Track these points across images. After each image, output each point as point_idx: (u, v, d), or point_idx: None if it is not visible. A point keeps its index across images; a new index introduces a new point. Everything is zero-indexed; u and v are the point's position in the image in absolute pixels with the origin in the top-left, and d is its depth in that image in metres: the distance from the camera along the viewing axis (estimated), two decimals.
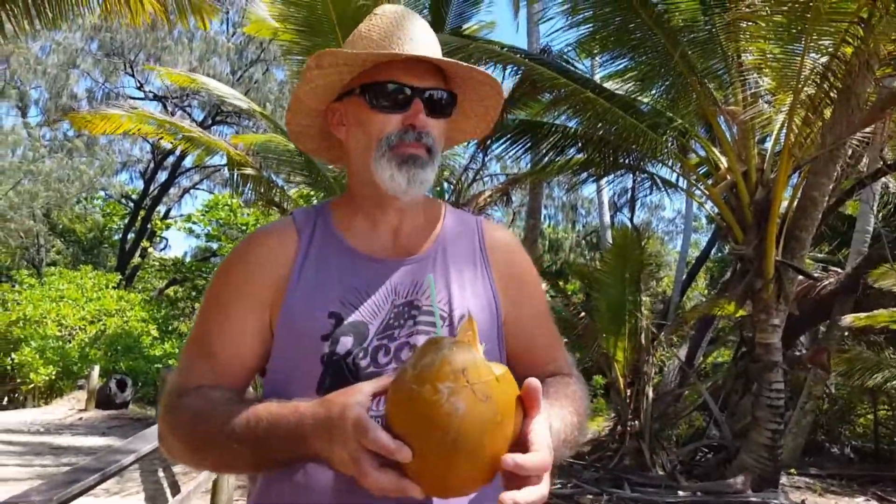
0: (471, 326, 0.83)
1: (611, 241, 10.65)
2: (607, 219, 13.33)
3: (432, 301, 0.88)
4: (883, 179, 9.13)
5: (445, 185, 9.43)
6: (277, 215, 9.55)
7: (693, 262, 14.68)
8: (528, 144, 7.26)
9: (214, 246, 17.50)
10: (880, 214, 10.27)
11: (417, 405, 0.74)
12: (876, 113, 5.65)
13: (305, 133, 1.17)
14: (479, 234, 1.14)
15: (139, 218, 21.98)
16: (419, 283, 1.04)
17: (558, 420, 0.92)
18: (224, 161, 9.24)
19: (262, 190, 8.19)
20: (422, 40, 1.05)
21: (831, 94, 5.18)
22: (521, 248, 1.20)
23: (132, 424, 10.49)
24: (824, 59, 5.20)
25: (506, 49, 6.37)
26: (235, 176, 8.09)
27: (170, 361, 14.09)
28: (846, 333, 9.72)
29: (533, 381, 0.79)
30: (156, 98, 20.93)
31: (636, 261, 7.45)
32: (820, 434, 11.12)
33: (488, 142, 7.52)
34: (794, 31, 5.13)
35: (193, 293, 16.74)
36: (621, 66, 6.56)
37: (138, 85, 21.08)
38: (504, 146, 7.53)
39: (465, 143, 9.38)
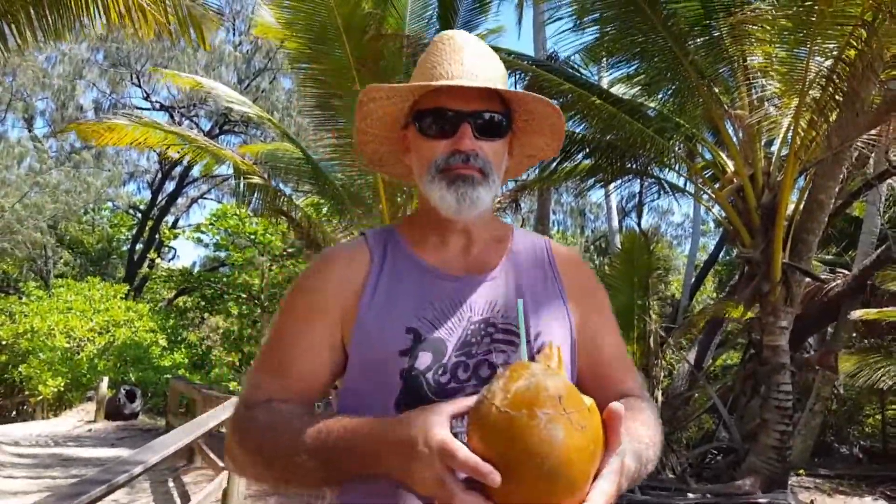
0: (552, 352, 0.83)
1: (619, 246, 10.66)
2: (616, 224, 13.34)
3: (520, 325, 0.88)
4: (889, 181, 9.14)
5: None
6: (285, 225, 9.60)
7: (701, 265, 14.67)
8: None
9: (223, 255, 17.54)
10: (886, 216, 10.27)
11: (513, 430, 0.73)
12: (881, 115, 5.68)
13: (384, 160, 1.22)
14: (547, 252, 1.17)
15: (147, 228, 22.07)
16: (493, 301, 1.06)
17: (632, 458, 0.90)
18: (231, 170, 9.29)
19: (270, 199, 8.22)
20: (472, 65, 1.07)
21: (836, 97, 5.21)
22: (587, 264, 1.24)
23: (142, 435, 10.48)
24: (829, 63, 5.24)
25: (513, 56, 6.42)
26: (242, 185, 8.12)
27: (179, 371, 14.11)
28: (854, 335, 9.72)
29: (617, 409, 0.79)
30: (162, 108, 21.06)
31: (644, 265, 7.49)
32: (829, 435, 11.10)
33: None
34: (799, 34, 5.17)
35: (202, 303, 16.76)
36: (629, 70, 6.60)
37: (145, 95, 21.23)
38: None
39: None
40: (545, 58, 8.64)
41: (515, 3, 12.78)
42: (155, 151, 18.99)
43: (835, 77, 5.12)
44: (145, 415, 13.20)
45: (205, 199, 24.08)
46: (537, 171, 7.28)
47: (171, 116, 20.42)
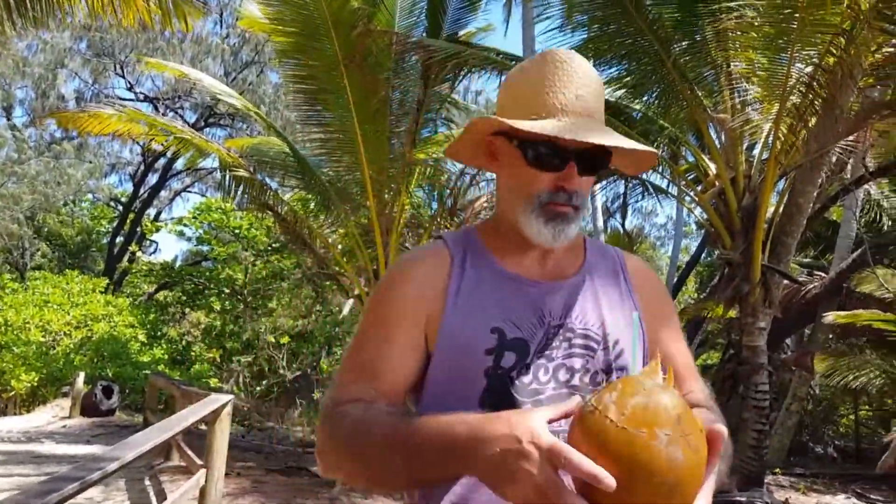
0: (657, 367, 0.81)
1: None
2: (601, 224, 13.47)
3: (633, 337, 0.89)
4: (865, 186, 9.33)
5: (446, 189, 9.49)
6: (270, 220, 9.57)
7: (683, 266, 14.86)
8: None
9: (206, 249, 17.39)
10: (863, 220, 10.48)
11: (633, 448, 0.73)
12: (859, 122, 5.82)
13: (468, 154, 1.20)
14: (619, 262, 1.20)
15: (128, 221, 21.83)
16: (571, 307, 1.09)
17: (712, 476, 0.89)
18: (215, 163, 9.23)
19: (255, 193, 8.18)
20: (587, 96, 1.07)
21: (816, 104, 5.33)
22: (656, 274, 1.27)
23: (118, 432, 10.25)
24: (809, 69, 5.35)
25: (501, 56, 6.47)
26: (227, 178, 8.08)
27: (158, 367, 13.96)
28: (830, 336, 9.92)
29: (720, 431, 0.81)
30: (146, 99, 20.81)
31: None
32: (805, 434, 11.32)
33: None
34: (781, 41, 5.28)
35: (183, 297, 16.63)
36: (616, 71, 6.67)
37: (128, 86, 20.97)
38: None
39: None
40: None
41: (504, 2, 12.82)
42: (138, 143, 18.84)
43: (814, 84, 5.23)
44: (122, 411, 13.00)
45: (188, 192, 23.86)
46: None
47: (156, 108, 20.18)
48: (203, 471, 4.73)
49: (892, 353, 9.42)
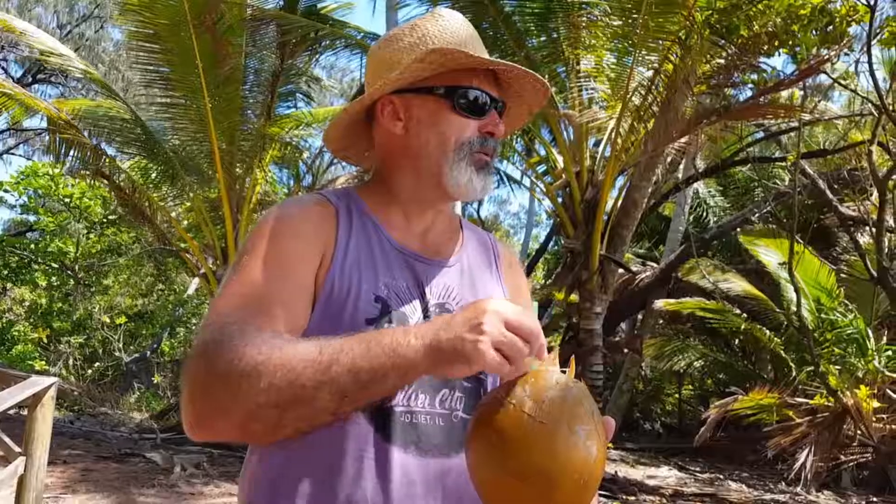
0: (556, 358, 0.81)
1: None
2: (458, 210, 13.82)
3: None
4: (695, 185, 10.26)
5: (302, 166, 9.21)
6: (107, 189, 8.79)
7: (533, 253, 15.55)
8: None
9: (31, 219, 15.69)
10: (691, 216, 11.52)
11: (553, 443, 0.72)
12: (691, 125, 6.35)
13: (348, 134, 1.15)
14: (493, 248, 1.20)
15: None
16: (449, 288, 1.06)
17: None
18: (43, 123, 8.34)
19: (89, 159, 7.48)
20: (480, 45, 1.08)
21: (654, 107, 5.74)
22: (521, 265, 1.26)
23: None
24: (650, 73, 5.75)
25: (362, 35, 6.35)
26: (57, 141, 7.31)
27: None
28: (660, 321, 10.84)
29: (611, 423, 0.83)
30: None
31: None
32: (636, 412, 12.33)
33: None
34: (626, 44, 5.63)
35: (5, 272, 14.93)
36: None
37: None
38: None
39: (322, 127, 9.22)
40: None
41: None
42: None
43: (653, 88, 5.63)
44: None
45: (11, 154, 21.37)
46: None
47: None
48: (21, 458, 4.29)
49: (713, 338, 10.49)
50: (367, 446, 0.93)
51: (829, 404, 6.21)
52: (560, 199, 6.79)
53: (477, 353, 0.77)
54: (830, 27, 5.12)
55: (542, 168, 7.59)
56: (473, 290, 1.09)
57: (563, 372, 0.80)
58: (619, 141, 6.07)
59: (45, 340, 13.16)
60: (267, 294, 0.93)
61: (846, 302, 7.26)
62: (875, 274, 6.78)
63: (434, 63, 1.01)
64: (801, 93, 6.35)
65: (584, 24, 5.63)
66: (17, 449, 4.50)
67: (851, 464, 6.81)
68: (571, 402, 0.75)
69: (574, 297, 6.79)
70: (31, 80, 18.23)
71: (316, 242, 0.99)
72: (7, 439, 5.03)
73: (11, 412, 6.14)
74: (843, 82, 6.48)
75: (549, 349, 0.84)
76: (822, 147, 9.18)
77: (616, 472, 7.06)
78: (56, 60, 7.61)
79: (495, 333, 0.77)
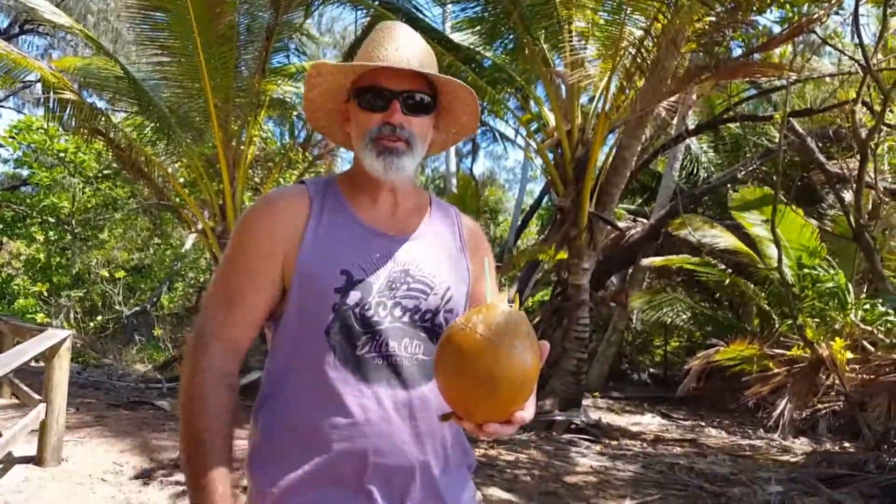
0: (505, 296, 1.03)
1: (454, 189, 11.13)
2: (453, 167, 13.88)
3: (486, 278, 1.09)
4: (687, 141, 10.33)
5: (297, 121, 9.24)
6: (101, 144, 8.81)
7: (528, 209, 15.67)
8: None
9: (25, 173, 15.63)
10: (683, 172, 11.62)
11: (498, 354, 0.94)
12: (681, 85, 6.42)
13: (330, 129, 1.39)
14: (457, 222, 1.41)
15: None
16: (414, 257, 1.28)
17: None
18: (36, 77, 8.27)
19: (85, 118, 7.49)
20: (407, 50, 1.25)
21: (644, 66, 5.80)
22: (483, 234, 1.48)
23: None
24: (640, 33, 5.80)
25: None
26: (52, 100, 7.31)
27: None
28: (649, 276, 11.06)
29: (546, 344, 1.04)
30: None
31: (473, 208, 7.96)
32: (624, 363, 12.68)
33: None
34: (616, 3, 5.66)
35: (1, 226, 14.97)
36: (470, 14, 6.82)
37: None
38: None
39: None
40: None
41: None
42: None
43: (642, 48, 5.69)
44: None
45: (1, 106, 21.12)
46: None
47: None
48: (43, 405, 4.53)
49: (700, 292, 10.73)
50: (347, 386, 1.18)
51: (806, 355, 6.47)
52: (551, 158, 6.89)
53: None
54: None
55: (533, 126, 7.68)
56: (435, 258, 1.31)
57: (510, 304, 1.03)
58: (610, 100, 6.15)
59: (46, 294, 13.32)
60: (235, 291, 1.22)
61: (828, 258, 7.46)
62: (854, 231, 6.96)
63: (347, 71, 1.26)
64: (791, 50, 6.41)
65: None
66: (37, 396, 4.74)
67: (827, 412, 7.11)
68: (513, 325, 0.97)
69: (563, 253, 6.99)
70: (18, 31, 17.88)
71: (282, 234, 1.22)
72: (25, 388, 5.27)
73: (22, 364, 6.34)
74: (831, 42, 6.53)
75: (508, 287, 1.09)
76: (811, 104, 9.24)
77: (600, 418, 7.36)
78: (46, 17, 7.52)
79: None
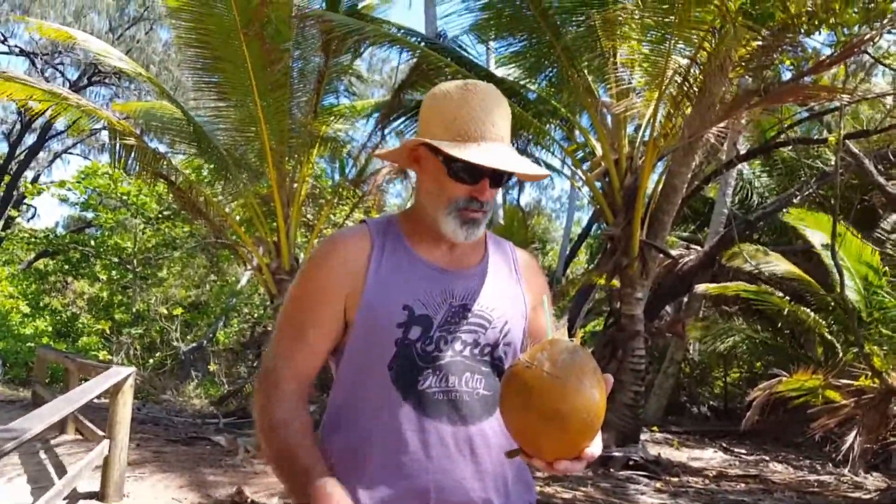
0: (565, 331, 1.05)
1: (501, 220, 11.17)
2: (500, 198, 13.93)
3: (546, 313, 1.12)
4: (739, 167, 10.15)
5: (349, 160, 9.47)
6: (162, 186, 9.20)
7: (576, 238, 15.56)
8: None
9: (90, 216, 16.38)
10: (736, 198, 11.39)
11: (566, 391, 0.96)
12: (730, 110, 6.33)
13: (392, 156, 1.43)
14: (512, 256, 1.45)
15: (3, 184, 20.13)
16: (472, 292, 1.32)
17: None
18: (100, 125, 8.73)
19: (148, 161, 7.85)
20: (502, 123, 1.28)
21: (690, 94, 5.77)
22: (538, 266, 1.51)
23: (4, 406, 9.79)
24: (685, 62, 5.78)
25: (402, 32, 6.53)
26: (117, 146, 7.70)
27: (42, 340, 13.20)
28: (705, 304, 10.79)
29: (610, 379, 1.05)
30: (22, 53, 19.07)
31: (521, 238, 7.96)
32: (682, 395, 12.32)
33: (388, 119, 7.72)
34: (660, 34, 5.67)
35: (66, 266, 15.66)
36: (513, 51, 6.92)
37: (2, 38, 19.17)
38: (403, 123, 7.81)
39: (365, 120, 9.48)
40: (434, 35, 8.79)
41: None
42: (13, 101, 17.16)
43: (689, 76, 5.66)
44: (5, 385, 12.26)
45: (70, 154, 22.26)
46: None
47: (33, 63, 18.52)
48: (106, 441, 4.68)
49: (759, 320, 10.40)
50: (409, 422, 1.22)
51: (875, 385, 6.18)
52: (599, 186, 6.87)
53: None
54: (872, 4, 5.08)
55: (579, 155, 7.68)
56: (492, 291, 1.34)
57: (572, 339, 1.05)
58: (657, 128, 6.12)
59: (108, 332, 13.83)
60: (303, 331, 1.29)
61: (894, 281, 7.16)
62: None
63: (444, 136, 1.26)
64: (844, 72, 6.27)
65: (617, 18, 5.69)
66: (101, 433, 4.90)
67: None
68: (579, 362, 0.98)
69: (616, 282, 6.90)
70: (86, 82, 18.94)
71: (345, 273, 1.28)
72: (90, 424, 5.46)
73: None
74: (885, 61, 6.38)
75: (559, 318, 1.09)
76: (866, 124, 8.99)
77: (659, 453, 7.15)
78: (111, 63, 7.96)
79: None
